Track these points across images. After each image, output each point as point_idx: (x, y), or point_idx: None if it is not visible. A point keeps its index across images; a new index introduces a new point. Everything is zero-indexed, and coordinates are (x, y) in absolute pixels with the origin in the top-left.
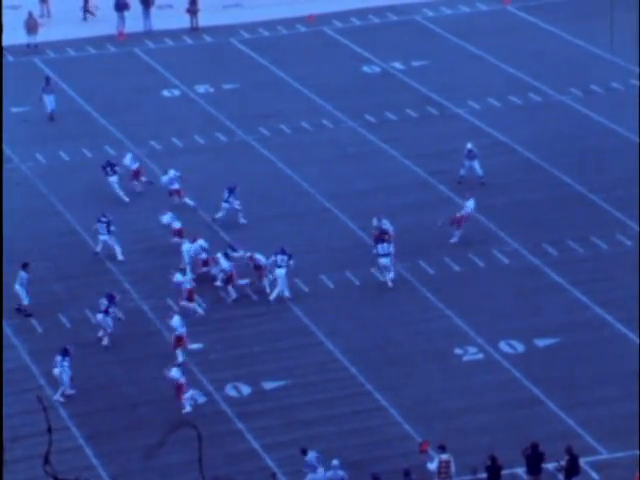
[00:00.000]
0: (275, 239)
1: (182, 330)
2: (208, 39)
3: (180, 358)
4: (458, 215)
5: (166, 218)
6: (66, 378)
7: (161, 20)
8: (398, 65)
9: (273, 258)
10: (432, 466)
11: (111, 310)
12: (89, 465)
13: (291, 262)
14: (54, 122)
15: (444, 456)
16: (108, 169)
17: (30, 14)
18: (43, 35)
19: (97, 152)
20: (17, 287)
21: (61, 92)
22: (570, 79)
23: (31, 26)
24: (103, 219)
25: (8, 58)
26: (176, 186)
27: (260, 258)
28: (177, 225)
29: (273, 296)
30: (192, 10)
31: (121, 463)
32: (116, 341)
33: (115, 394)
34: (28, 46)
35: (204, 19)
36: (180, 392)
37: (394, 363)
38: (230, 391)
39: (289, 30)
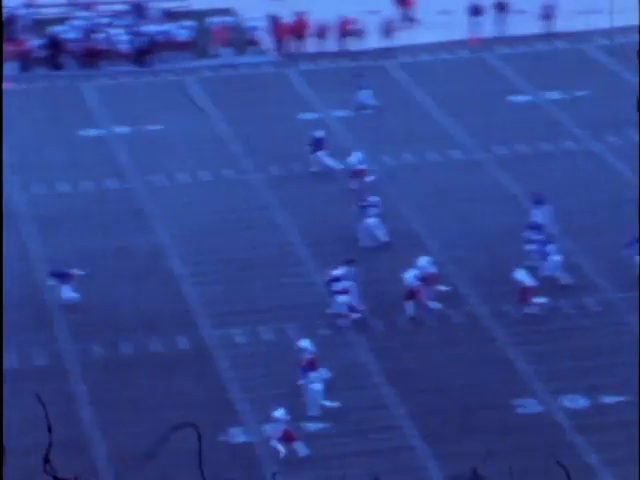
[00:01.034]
0: (594, 251)
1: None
2: (561, 45)
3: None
4: None
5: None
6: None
7: (514, 25)
8: None
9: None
10: None
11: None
12: (422, 466)
13: None
14: (398, 125)
15: None
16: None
17: (388, 18)
18: (398, 39)
19: (443, 156)
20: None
21: (410, 96)
22: None
23: (387, 30)
24: (372, 200)
25: (351, 63)
26: (362, 166)
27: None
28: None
29: None
30: (547, 15)
31: (455, 467)
32: (452, 343)
33: (451, 396)
34: (382, 50)
35: (559, 25)
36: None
37: None
38: (567, 403)
39: None
